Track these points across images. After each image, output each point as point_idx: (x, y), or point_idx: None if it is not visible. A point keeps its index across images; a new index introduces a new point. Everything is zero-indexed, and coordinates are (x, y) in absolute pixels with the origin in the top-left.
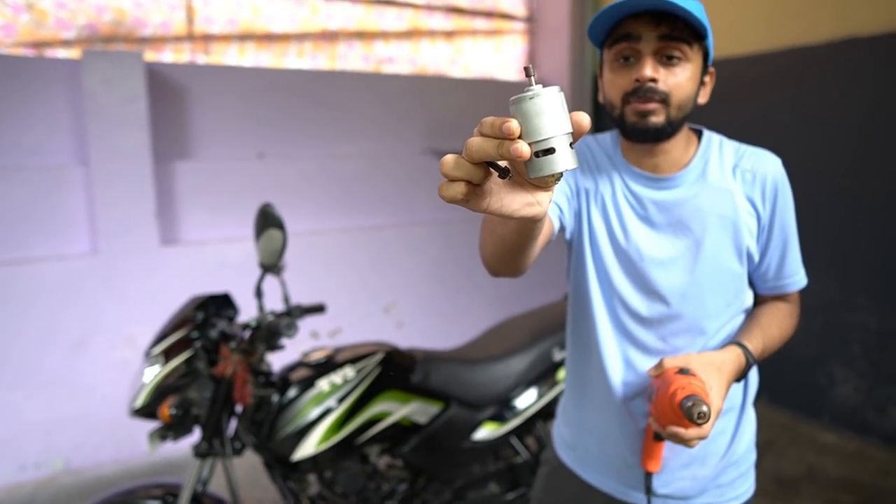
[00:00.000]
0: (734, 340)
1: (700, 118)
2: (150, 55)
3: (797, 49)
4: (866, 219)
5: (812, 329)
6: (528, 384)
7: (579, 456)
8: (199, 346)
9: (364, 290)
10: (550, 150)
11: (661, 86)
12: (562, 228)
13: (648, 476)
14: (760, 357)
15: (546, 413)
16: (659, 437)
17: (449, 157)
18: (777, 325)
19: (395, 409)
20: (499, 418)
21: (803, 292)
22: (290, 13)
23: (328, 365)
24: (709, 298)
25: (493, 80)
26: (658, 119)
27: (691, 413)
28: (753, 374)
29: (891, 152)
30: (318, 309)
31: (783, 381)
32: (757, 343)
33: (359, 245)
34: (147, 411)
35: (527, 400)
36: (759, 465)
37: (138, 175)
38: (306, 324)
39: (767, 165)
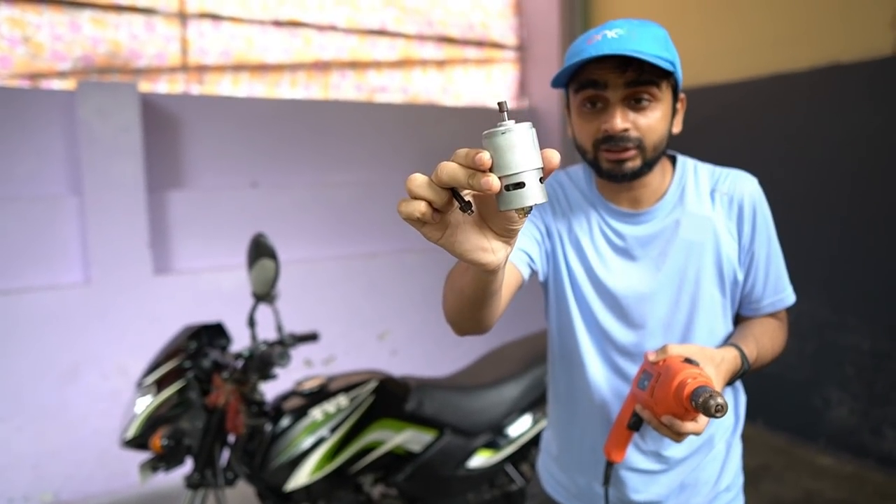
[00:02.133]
0: (731, 342)
1: (687, 144)
2: (145, 86)
3: (781, 75)
4: (857, 241)
5: (806, 351)
6: (521, 411)
7: (569, 492)
8: (192, 376)
9: (357, 317)
10: (520, 185)
11: (633, 133)
12: (533, 273)
13: (609, 465)
14: (754, 365)
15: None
16: (633, 427)
17: (417, 175)
18: (769, 337)
19: (389, 438)
20: (493, 446)
21: (797, 315)
22: (284, 44)
23: (321, 394)
24: (693, 328)
25: (484, 108)
26: (634, 164)
27: (707, 405)
28: (742, 401)
29: (879, 175)
30: (312, 337)
31: (778, 404)
32: (752, 349)
33: (352, 273)
34: (139, 442)
35: (521, 427)
36: (756, 490)
37: (132, 205)
38: (300, 352)
39: (745, 186)
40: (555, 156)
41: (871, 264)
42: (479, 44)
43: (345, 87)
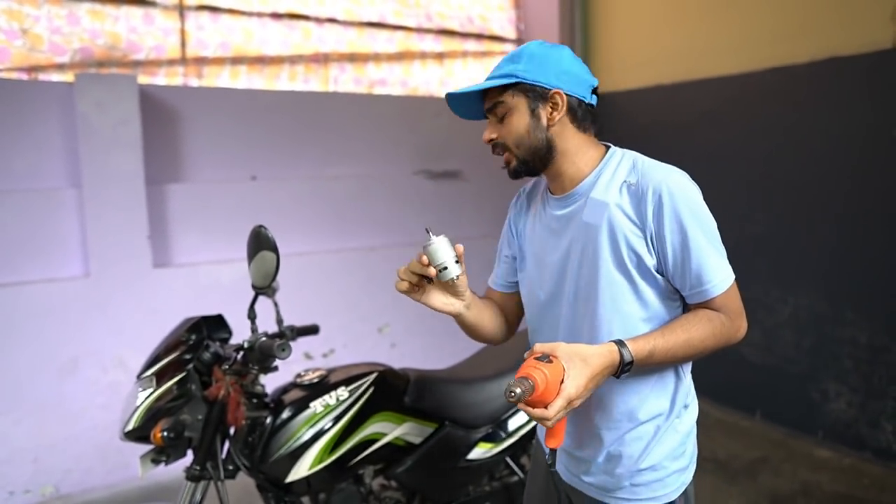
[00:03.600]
0: (616, 339)
1: (686, 137)
2: (144, 79)
3: (781, 69)
4: (855, 234)
5: (804, 344)
6: None
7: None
8: (192, 368)
9: (357, 310)
10: (445, 268)
11: (498, 139)
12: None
13: (552, 452)
14: (650, 358)
15: None
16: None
17: (402, 267)
18: (684, 329)
19: (389, 430)
20: (493, 438)
21: (794, 308)
22: (283, 36)
23: (321, 386)
24: (597, 303)
25: None
26: (512, 164)
27: (505, 391)
28: (685, 390)
29: (878, 169)
30: (312, 330)
31: (776, 397)
32: (643, 345)
33: (351, 266)
34: (139, 434)
35: (520, 419)
36: (755, 483)
37: (131, 197)
38: (299, 345)
39: (654, 177)
40: (460, 248)
41: (869, 258)
42: (479, 37)
43: (344, 80)
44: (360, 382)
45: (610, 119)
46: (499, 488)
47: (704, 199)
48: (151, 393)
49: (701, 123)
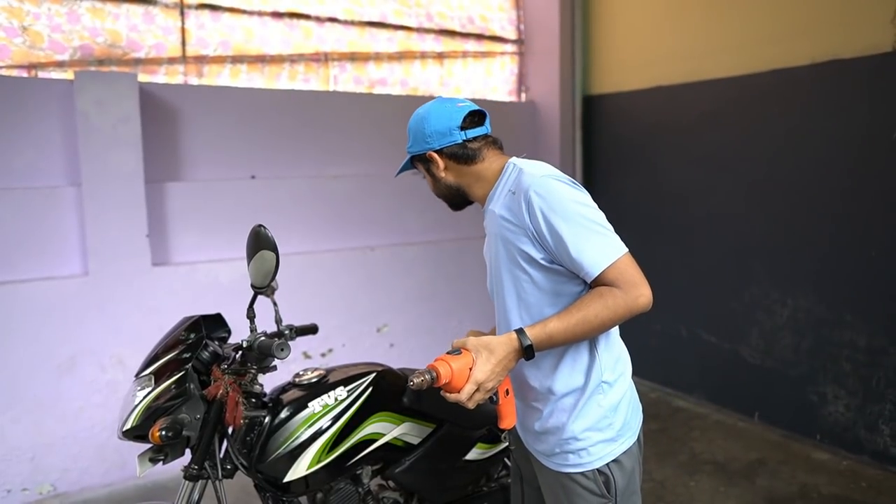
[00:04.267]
0: (518, 328)
1: (686, 139)
2: (144, 77)
3: (781, 71)
4: (854, 237)
5: (802, 347)
6: None
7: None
8: (191, 368)
9: (356, 310)
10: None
11: (436, 192)
12: None
13: (507, 432)
14: (551, 339)
15: None
16: (493, 401)
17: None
18: (577, 308)
19: (388, 430)
20: (491, 438)
21: (793, 311)
22: (283, 35)
23: (320, 386)
24: (506, 298)
25: (483, 101)
26: (452, 207)
27: (408, 380)
28: (602, 367)
29: (877, 171)
30: (311, 330)
31: (774, 400)
32: (539, 329)
33: (350, 266)
34: (137, 433)
35: None
36: (752, 485)
37: (130, 196)
38: (298, 344)
39: (523, 181)
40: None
41: (869, 261)
42: (479, 37)
43: (344, 80)
44: (358, 382)
45: (609, 121)
46: (496, 489)
47: (704, 199)
48: (150, 392)
49: (701, 125)
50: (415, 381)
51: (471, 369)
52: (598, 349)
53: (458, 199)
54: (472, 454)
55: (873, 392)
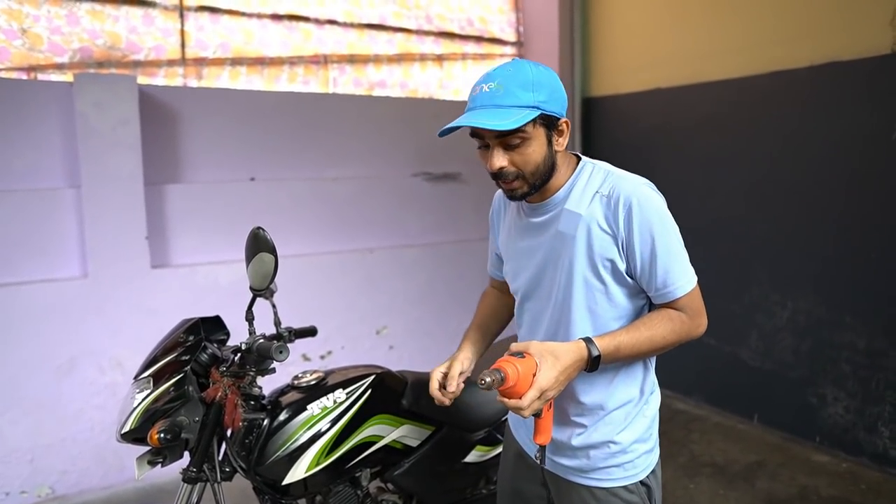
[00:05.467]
0: (586, 336)
1: (686, 140)
2: (143, 79)
3: (781, 73)
4: (854, 239)
5: (802, 349)
6: None
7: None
8: (189, 370)
9: (355, 312)
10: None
11: (510, 168)
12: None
13: (541, 448)
14: (617, 353)
15: None
16: (535, 415)
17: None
18: (647, 326)
19: (387, 433)
20: (490, 441)
21: (792, 313)
22: (283, 38)
23: (319, 388)
24: (572, 305)
25: None
26: (522, 190)
27: (477, 381)
28: (651, 378)
29: (877, 173)
30: (310, 332)
31: (774, 401)
32: (609, 341)
33: (350, 268)
34: (136, 436)
35: None
36: (752, 487)
37: (130, 198)
38: (297, 346)
39: (623, 187)
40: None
41: (869, 262)
42: (479, 39)
43: (343, 82)
44: (357, 385)
45: (609, 123)
46: (495, 491)
47: (703, 201)
48: (148, 394)
49: (701, 127)
50: (486, 380)
51: (534, 375)
52: (650, 360)
53: (544, 181)
54: (471, 457)
55: (873, 394)
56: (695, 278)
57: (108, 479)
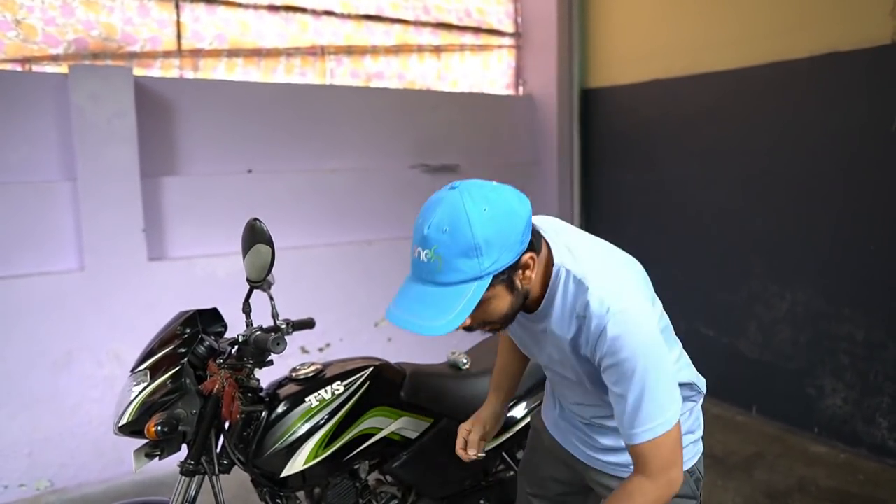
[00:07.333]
0: None
1: (685, 132)
2: (139, 71)
3: (780, 63)
4: (852, 230)
5: (800, 340)
6: (518, 398)
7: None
8: (187, 362)
9: (353, 304)
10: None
11: (476, 324)
12: None
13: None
14: None
15: None
16: None
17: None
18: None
19: (385, 425)
20: None
21: (791, 304)
22: (279, 29)
23: (317, 380)
24: (584, 382)
25: (481, 94)
26: (495, 328)
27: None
28: (698, 378)
29: (876, 164)
30: (308, 324)
31: (772, 393)
32: None
33: (348, 260)
34: (133, 429)
35: (516, 414)
36: (750, 478)
37: (126, 190)
38: (295, 339)
39: (595, 312)
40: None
41: (868, 254)
42: (476, 30)
43: (341, 73)
44: (355, 377)
45: (608, 114)
46: (494, 483)
47: (702, 192)
48: (146, 387)
49: (699, 118)
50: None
51: None
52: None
53: (511, 317)
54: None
55: (871, 385)
56: (672, 421)
57: (107, 471)
